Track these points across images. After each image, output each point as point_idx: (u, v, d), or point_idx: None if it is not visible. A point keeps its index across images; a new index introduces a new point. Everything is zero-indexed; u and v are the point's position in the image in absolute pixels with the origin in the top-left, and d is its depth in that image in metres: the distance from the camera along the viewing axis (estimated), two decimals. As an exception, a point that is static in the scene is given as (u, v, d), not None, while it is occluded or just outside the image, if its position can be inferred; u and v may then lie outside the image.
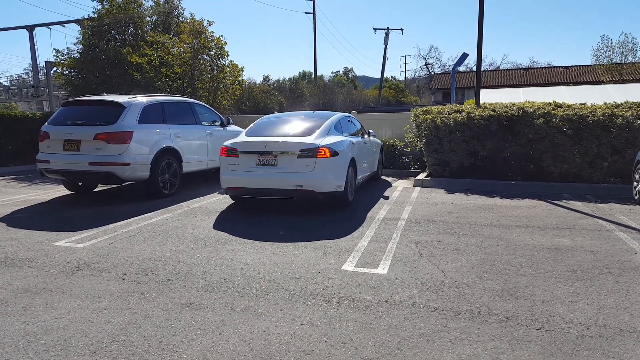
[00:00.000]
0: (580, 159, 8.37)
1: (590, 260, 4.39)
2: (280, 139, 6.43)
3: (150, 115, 7.80)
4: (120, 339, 2.87)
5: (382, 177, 10.42)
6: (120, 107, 7.42)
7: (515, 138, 8.69)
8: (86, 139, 7.16)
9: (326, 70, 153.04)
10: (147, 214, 6.49)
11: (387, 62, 55.68)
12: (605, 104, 8.70)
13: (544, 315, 3.18)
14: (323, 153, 6.18)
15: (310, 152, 6.17)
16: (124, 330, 2.99)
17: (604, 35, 41.58)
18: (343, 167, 6.53)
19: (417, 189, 8.84)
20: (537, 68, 38.24)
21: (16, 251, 4.77)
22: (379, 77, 42.97)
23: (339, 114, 7.87)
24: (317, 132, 6.65)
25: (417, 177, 9.59)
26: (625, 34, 29.19)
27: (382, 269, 4.12)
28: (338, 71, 62.39)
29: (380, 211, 6.64)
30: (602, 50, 25.26)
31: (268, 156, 6.30)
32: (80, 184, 8.33)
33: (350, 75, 60.12)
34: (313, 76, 40.27)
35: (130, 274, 4.04)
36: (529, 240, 5.10)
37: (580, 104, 8.91)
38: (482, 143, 8.87)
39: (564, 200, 7.45)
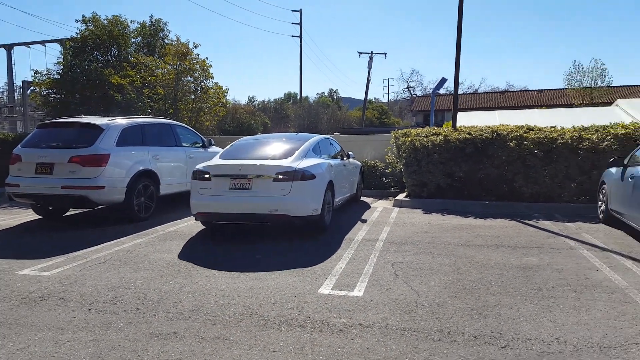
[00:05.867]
0: (550, 179, 8.62)
1: (556, 278, 4.50)
2: (256, 162, 6.35)
3: (129, 137, 7.73)
4: (84, 370, 2.79)
5: (363, 197, 10.48)
6: (97, 130, 7.35)
7: (490, 160, 8.89)
8: (60, 162, 7.04)
9: (311, 92, 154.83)
10: (120, 239, 6.36)
11: (370, 85, 56.74)
12: (574, 127, 9.00)
13: (509, 333, 3.24)
14: (299, 176, 6.11)
15: (286, 175, 6.08)
16: (88, 360, 2.91)
17: (575, 60, 43.73)
18: (320, 190, 6.50)
19: (396, 209, 8.92)
20: (513, 91, 39.50)
21: (-19, 279, 4.61)
22: (363, 98, 43.57)
23: (319, 136, 7.92)
24: (295, 154, 6.60)
25: (397, 198, 9.69)
26: (596, 59, 30.77)
27: (358, 291, 4.13)
28: (323, 92, 63.02)
29: (359, 232, 6.67)
30: (573, 75, 26.32)
31: (242, 180, 6.18)
32: (50, 208, 8.12)
33: (335, 97, 60.79)
34: (298, 97, 40.60)
35: (98, 304, 3.94)
36: (499, 259, 5.19)
37: (551, 127, 9.20)
38: (459, 165, 9.04)
39: (534, 220, 7.61)
